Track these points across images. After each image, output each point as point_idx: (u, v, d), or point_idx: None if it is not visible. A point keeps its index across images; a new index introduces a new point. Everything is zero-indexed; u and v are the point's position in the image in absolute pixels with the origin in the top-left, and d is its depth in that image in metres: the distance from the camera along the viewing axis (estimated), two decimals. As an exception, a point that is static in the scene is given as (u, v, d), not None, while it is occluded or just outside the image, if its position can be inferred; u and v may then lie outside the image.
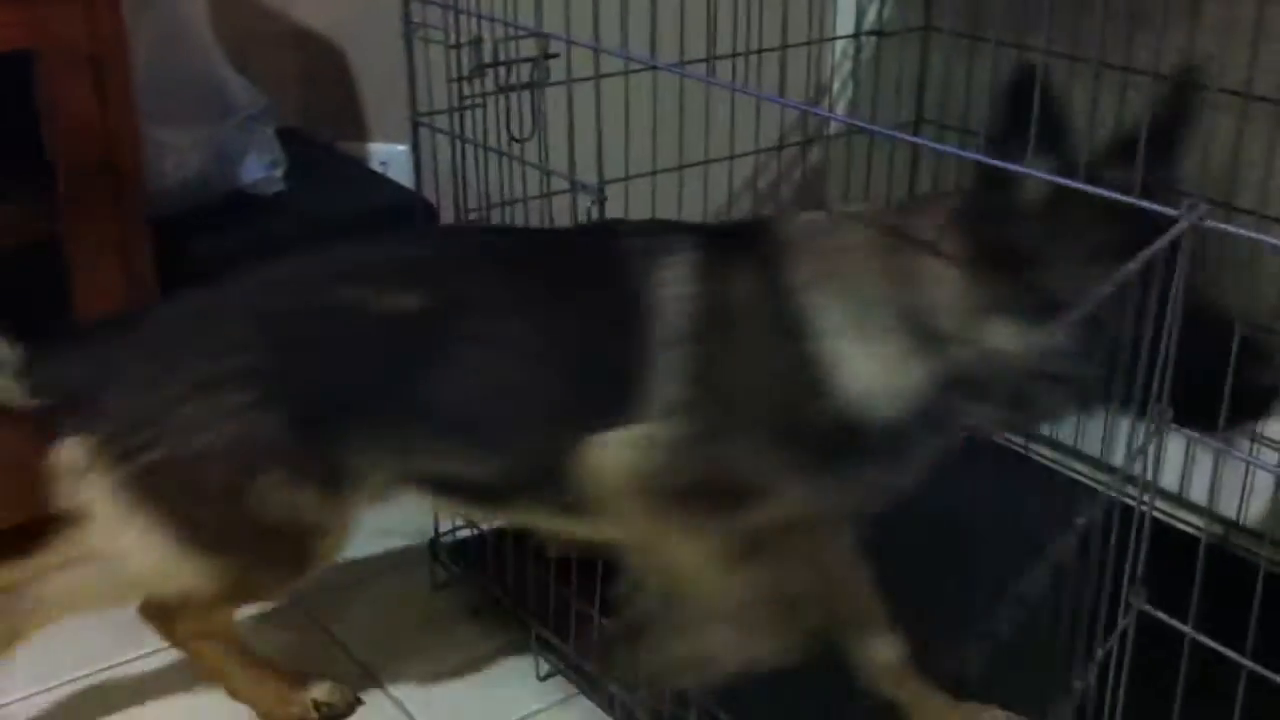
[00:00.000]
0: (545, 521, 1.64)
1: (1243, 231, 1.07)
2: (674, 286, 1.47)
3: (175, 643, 1.73)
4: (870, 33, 2.22)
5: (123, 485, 1.50)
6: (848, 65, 2.28)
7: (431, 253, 1.63)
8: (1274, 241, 1.09)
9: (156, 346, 1.54)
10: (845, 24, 2.25)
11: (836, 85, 2.32)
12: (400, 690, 1.84)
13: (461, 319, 1.51)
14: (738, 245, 1.52)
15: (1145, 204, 1.12)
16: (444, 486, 1.60)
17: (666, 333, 1.45)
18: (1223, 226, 1.08)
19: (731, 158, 2.01)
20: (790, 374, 1.43)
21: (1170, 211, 1.09)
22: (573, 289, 1.54)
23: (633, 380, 1.45)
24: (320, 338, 1.51)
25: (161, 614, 1.69)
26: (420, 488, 1.61)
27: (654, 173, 1.92)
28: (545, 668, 1.86)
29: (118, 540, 1.53)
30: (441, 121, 1.84)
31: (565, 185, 1.72)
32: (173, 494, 1.50)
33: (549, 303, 1.53)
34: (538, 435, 1.51)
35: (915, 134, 2.21)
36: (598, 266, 1.55)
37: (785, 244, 1.49)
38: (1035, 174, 1.23)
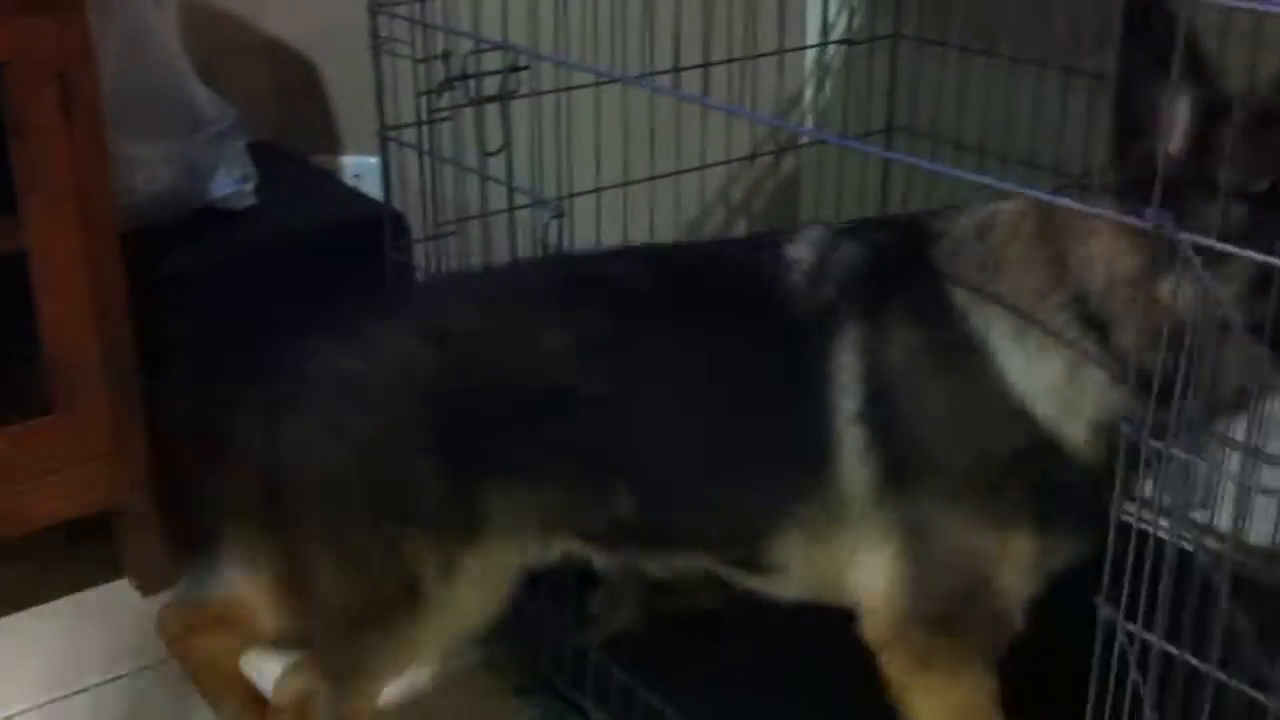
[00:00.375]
0: (706, 568, 1.54)
1: (1233, 249, 0.99)
2: (848, 337, 1.37)
3: (184, 658, 1.71)
4: (839, 41, 2.22)
5: (264, 507, 1.50)
6: (818, 74, 2.29)
7: (587, 296, 1.49)
8: (1260, 257, 0.98)
9: (329, 378, 1.49)
10: (814, 34, 2.25)
11: (808, 94, 2.32)
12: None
13: (631, 373, 1.43)
14: (897, 278, 1.40)
15: (1125, 218, 1.08)
16: (588, 536, 1.51)
17: (846, 391, 1.36)
18: (1221, 245, 0.99)
19: (703, 168, 2.00)
20: (984, 410, 1.31)
21: (1140, 223, 1.03)
22: (748, 342, 1.43)
23: (818, 445, 1.36)
24: (483, 393, 1.44)
25: (186, 628, 1.69)
26: (548, 539, 1.51)
27: (625, 184, 1.91)
28: (524, 683, 1.85)
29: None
30: (410, 135, 1.83)
31: (527, 200, 1.71)
32: (300, 527, 1.49)
33: (727, 358, 1.43)
34: (716, 501, 1.44)
35: (887, 141, 2.21)
36: (767, 314, 1.43)
37: (943, 266, 1.37)
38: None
